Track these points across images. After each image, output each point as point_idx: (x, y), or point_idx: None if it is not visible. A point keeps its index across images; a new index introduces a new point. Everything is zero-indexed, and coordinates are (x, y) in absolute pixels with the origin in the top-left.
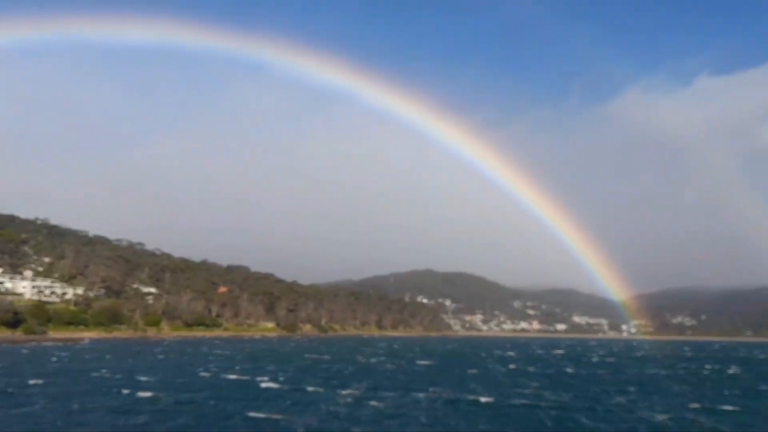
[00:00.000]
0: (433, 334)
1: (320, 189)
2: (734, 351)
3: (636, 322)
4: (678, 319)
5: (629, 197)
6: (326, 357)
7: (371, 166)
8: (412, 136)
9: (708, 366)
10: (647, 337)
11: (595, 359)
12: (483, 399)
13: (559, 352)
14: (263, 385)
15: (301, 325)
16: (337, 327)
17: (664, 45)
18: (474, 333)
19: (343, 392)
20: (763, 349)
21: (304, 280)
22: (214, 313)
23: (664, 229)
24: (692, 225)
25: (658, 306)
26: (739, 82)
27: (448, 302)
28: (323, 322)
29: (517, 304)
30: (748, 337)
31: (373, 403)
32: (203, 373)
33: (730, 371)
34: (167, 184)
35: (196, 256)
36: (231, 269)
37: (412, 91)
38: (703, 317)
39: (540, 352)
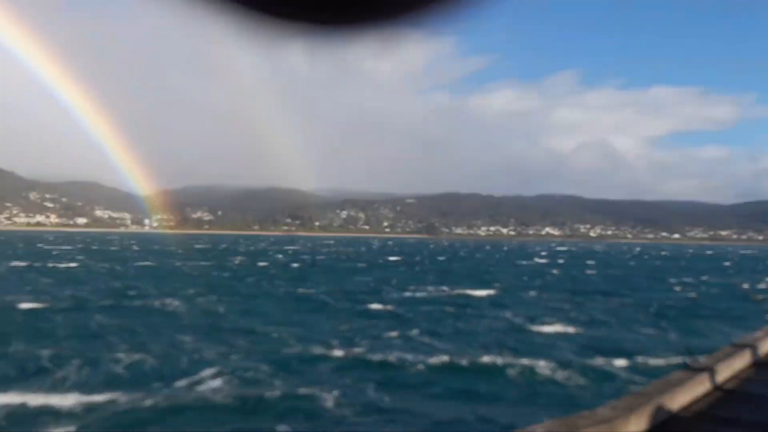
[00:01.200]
0: None
1: None
2: (236, 243)
3: (158, 216)
4: (198, 214)
5: (164, 98)
6: None
7: None
8: None
9: (234, 258)
10: (168, 231)
11: (115, 249)
12: None
13: (78, 246)
14: None
15: None
16: None
17: None
18: None
19: None
20: (266, 240)
21: None
22: None
23: (192, 130)
24: (218, 129)
25: (180, 202)
26: None
27: None
28: None
29: (33, 195)
30: (255, 231)
31: None
32: None
33: (237, 261)
34: None
35: None
36: None
37: None
38: (220, 213)
39: (56, 249)
